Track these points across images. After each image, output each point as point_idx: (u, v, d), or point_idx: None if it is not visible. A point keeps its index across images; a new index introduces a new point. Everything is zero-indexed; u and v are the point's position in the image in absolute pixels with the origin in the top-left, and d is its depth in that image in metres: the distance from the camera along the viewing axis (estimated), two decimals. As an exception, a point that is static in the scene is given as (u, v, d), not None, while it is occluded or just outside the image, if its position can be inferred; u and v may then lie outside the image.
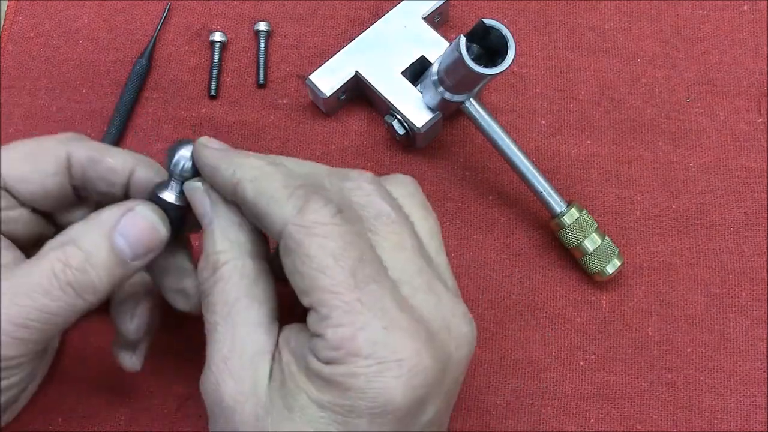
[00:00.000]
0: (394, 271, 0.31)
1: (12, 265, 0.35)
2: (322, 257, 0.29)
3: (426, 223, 0.34)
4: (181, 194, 0.35)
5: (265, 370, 0.31)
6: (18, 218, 0.37)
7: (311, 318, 0.30)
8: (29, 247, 0.39)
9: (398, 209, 0.32)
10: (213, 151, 0.34)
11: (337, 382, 0.29)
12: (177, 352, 0.46)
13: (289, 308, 0.33)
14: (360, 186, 0.32)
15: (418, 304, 0.31)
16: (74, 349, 0.46)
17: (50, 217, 0.39)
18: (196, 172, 0.35)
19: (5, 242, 0.36)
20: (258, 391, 0.30)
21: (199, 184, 0.34)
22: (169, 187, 0.35)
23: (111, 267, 0.33)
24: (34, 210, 0.38)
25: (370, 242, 0.31)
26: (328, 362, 0.29)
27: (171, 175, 0.35)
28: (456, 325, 0.31)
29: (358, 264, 0.29)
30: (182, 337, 0.46)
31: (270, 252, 0.35)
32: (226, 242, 0.33)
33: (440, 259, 0.34)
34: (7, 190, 0.36)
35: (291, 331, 0.31)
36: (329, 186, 0.33)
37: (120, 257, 0.34)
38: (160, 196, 0.35)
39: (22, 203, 0.37)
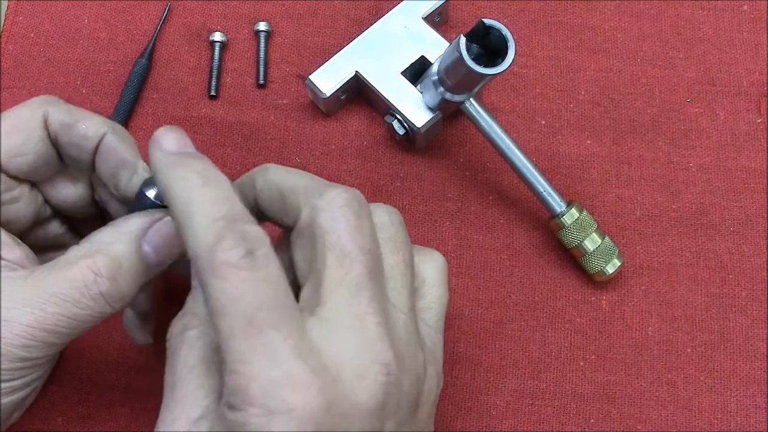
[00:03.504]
0: (325, 307, 0.30)
1: (24, 262, 0.35)
2: (221, 299, 0.29)
3: (391, 258, 0.33)
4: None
5: None
6: (19, 196, 0.37)
7: (219, 358, 0.30)
8: (29, 228, 0.39)
9: (359, 242, 0.31)
10: (161, 154, 0.31)
11: (236, 430, 0.28)
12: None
13: None
14: (329, 207, 0.31)
15: (334, 345, 0.30)
16: (74, 349, 0.46)
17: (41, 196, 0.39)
18: None
19: (11, 238, 0.36)
20: None
21: None
22: (157, 192, 0.35)
23: (138, 274, 0.34)
24: (32, 185, 0.38)
25: (282, 283, 0.30)
26: (230, 407, 0.29)
27: None
28: (373, 372, 0.30)
29: (257, 311, 0.28)
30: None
31: None
32: (202, 308, 0.33)
33: (399, 299, 0.33)
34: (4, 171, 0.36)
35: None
36: (302, 202, 0.32)
37: (147, 264, 0.34)
38: (146, 194, 0.35)
39: (20, 180, 0.37)
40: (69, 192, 0.39)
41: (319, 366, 0.29)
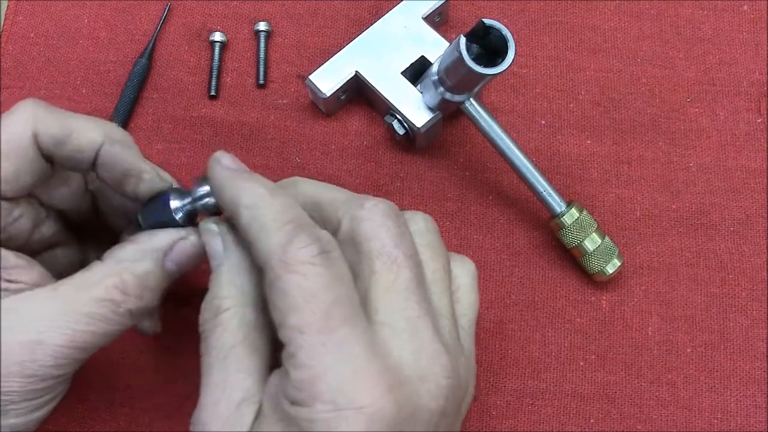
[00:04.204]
0: (379, 311, 0.31)
1: (40, 281, 0.35)
2: (295, 295, 0.29)
3: (432, 264, 0.34)
4: (188, 216, 0.36)
5: (250, 416, 0.31)
6: (20, 215, 0.37)
7: (283, 353, 0.30)
8: (30, 236, 0.38)
9: (403, 248, 0.32)
10: (223, 169, 0.34)
11: (299, 425, 0.29)
12: (177, 352, 0.46)
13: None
14: (371, 217, 0.32)
15: (394, 348, 0.30)
16: (74, 349, 0.46)
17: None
18: (216, 210, 0.36)
19: (24, 259, 0.35)
20: None
21: (215, 226, 0.35)
22: (183, 203, 0.36)
23: (161, 287, 0.35)
24: (29, 196, 0.37)
25: (351, 286, 0.31)
26: (293, 402, 0.29)
27: (192, 198, 0.36)
28: (434, 374, 0.31)
29: (331, 307, 0.29)
30: (183, 336, 0.46)
31: None
32: (231, 288, 0.33)
33: (441, 304, 0.33)
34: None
35: (275, 375, 0.32)
36: (342, 213, 0.33)
37: (167, 278, 0.35)
38: (172, 206, 0.36)
39: (17, 199, 0.36)
40: (64, 192, 0.39)
41: (387, 366, 0.29)
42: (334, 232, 0.33)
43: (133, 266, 0.34)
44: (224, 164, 0.34)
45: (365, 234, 0.32)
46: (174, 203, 0.36)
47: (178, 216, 0.36)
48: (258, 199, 0.32)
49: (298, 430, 0.29)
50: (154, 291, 0.35)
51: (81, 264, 0.41)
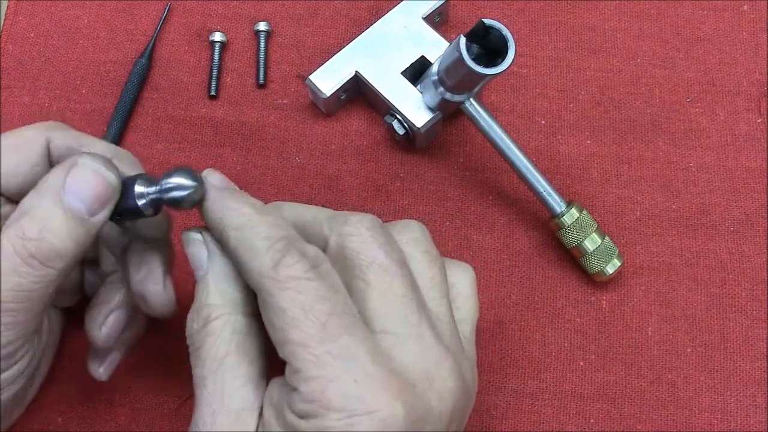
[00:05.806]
0: (378, 321, 0.31)
1: None
2: (292, 310, 0.30)
3: (428, 272, 0.34)
4: (153, 205, 0.34)
5: (252, 426, 0.31)
6: (6, 215, 0.36)
7: (287, 371, 0.30)
8: None
9: (394, 256, 0.32)
10: (211, 188, 0.33)
11: None
12: (176, 352, 0.46)
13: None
14: (357, 231, 0.32)
15: (398, 354, 0.30)
16: (74, 349, 0.46)
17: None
18: (182, 205, 0.33)
19: None
20: None
21: (199, 235, 0.34)
22: (147, 190, 0.34)
23: (70, 228, 0.32)
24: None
25: (346, 296, 0.31)
26: (302, 416, 0.29)
27: (159, 188, 0.34)
28: (441, 377, 0.31)
29: (329, 317, 0.29)
30: (182, 336, 0.46)
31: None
32: (218, 296, 0.33)
33: (440, 309, 0.33)
34: None
35: (274, 386, 0.31)
36: (327, 231, 0.33)
37: (77, 215, 0.33)
38: (135, 191, 0.34)
39: (8, 198, 0.36)
40: None
41: (391, 370, 0.30)
42: (322, 250, 0.33)
43: (30, 210, 0.32)
44: (211, 183, 0.33)
45: (354, 248, 0.32)
46: (138, 188, 0.34)
47: (141, 202, 0.34)
48: (245, 221, 0.32)
49: None
50: (62, 231, 0.32)
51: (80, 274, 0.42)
